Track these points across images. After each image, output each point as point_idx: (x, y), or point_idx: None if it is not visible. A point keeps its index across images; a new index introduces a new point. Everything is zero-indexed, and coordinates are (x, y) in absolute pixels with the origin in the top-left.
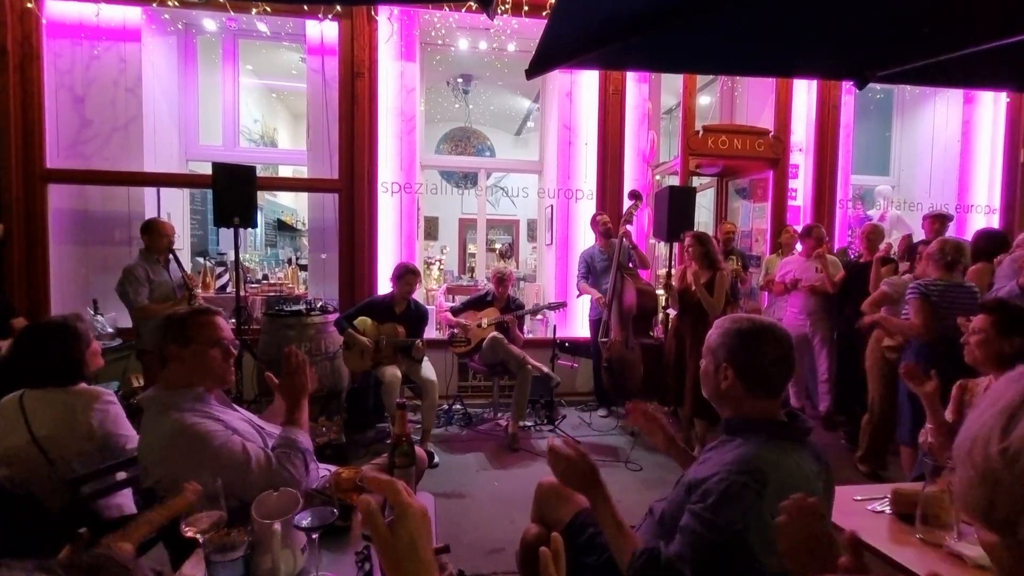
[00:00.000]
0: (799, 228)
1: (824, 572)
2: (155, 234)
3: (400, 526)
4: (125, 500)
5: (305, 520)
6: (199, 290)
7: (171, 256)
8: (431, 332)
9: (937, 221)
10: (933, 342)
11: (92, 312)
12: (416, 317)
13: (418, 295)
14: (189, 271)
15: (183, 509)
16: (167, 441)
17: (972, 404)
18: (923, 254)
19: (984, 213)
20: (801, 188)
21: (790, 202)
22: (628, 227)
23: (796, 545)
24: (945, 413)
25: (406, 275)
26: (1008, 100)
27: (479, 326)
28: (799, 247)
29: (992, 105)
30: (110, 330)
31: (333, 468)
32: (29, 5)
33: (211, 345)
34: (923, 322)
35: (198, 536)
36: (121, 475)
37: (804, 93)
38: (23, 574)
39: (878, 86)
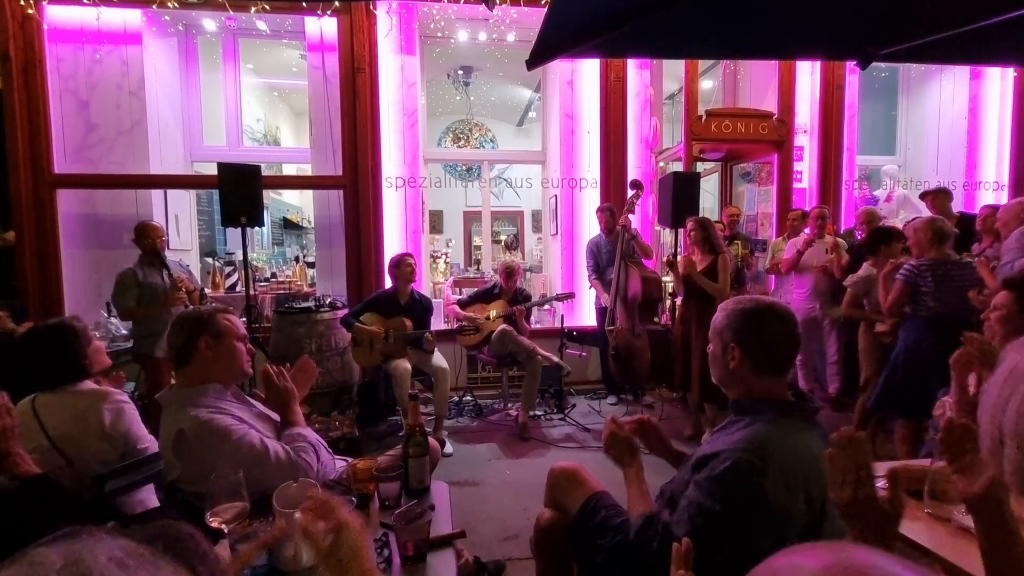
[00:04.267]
0: (806, 210)
1: (865, 505)
2: (141, 236)
3: (341, 540)
4: (148, 495)
5: None
6: (185, 296)
7: (161, 260)
8: (439, 324)
9: (938, 198)
10: (929, 320)
11: (105, 315)
12: (421, 309)
13: (425, 288)
14: (195, 272)
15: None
16: (189, 436)
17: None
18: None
19: (993, 189)
20: (806, 170)
21: (795, 184)
22: (630, 216)
23: (843, 478)
24: (951, 392)
25: (400, 264)
26: (1016, 75)
27: (487, 319)
28: (807, 230)
29: (1000, 80)
30: (124, 332)
31: (349, 460)
32: (30, 11)
33: (238, 339)
34: (893, 304)
35: (223, 526)
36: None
37: (807, 74)
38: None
39: (883, 65)
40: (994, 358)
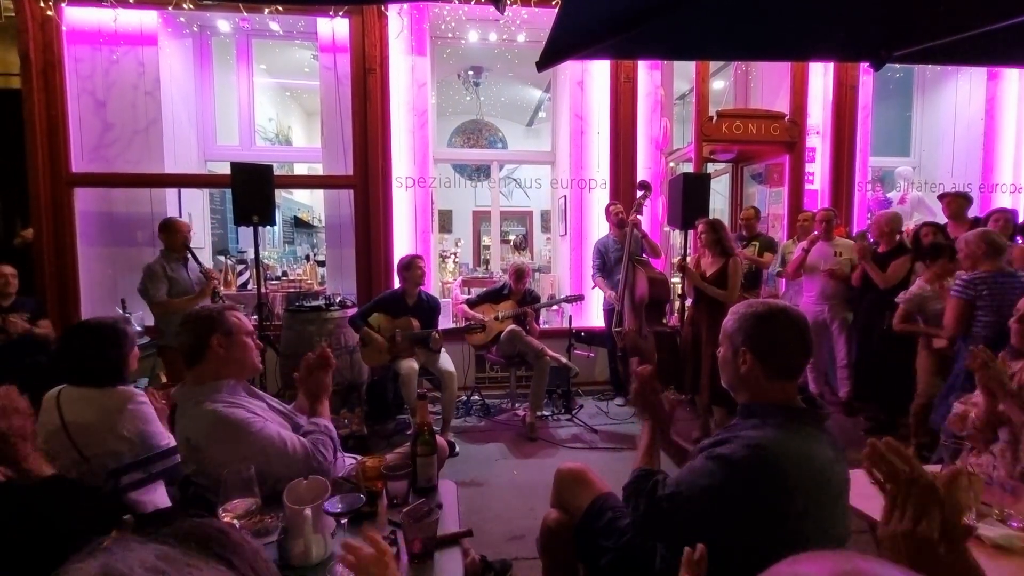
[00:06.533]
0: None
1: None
2: (171, 232)
3: None
4: (159, 495)
5: (334, 506)
6: (221, 286)
7: (188, 253)
8: (446, 324)
9: (955, 202)
10: (990, 336)
11: (121, 311)
12: (429, 309)
13: (433, 288)
14: (211, 268)
15: None
16: (207, 430)
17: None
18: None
19: (1009, 192)
20: (818, 171)
21: (807, 186)
22: (639, 216)
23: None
24: (974, 398)
25: (410, 267)
26: None
27: (496, 319)
28: (816, 233)
29: (1018, 81)
30: (138, 329)
31: (357, 458)
32: (49, 13)
33: (247, 335)
34: (954, 324)
35: (235, 521)
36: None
37: (820, 75)
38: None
39: (897, 65)
40: (1000, 375)
